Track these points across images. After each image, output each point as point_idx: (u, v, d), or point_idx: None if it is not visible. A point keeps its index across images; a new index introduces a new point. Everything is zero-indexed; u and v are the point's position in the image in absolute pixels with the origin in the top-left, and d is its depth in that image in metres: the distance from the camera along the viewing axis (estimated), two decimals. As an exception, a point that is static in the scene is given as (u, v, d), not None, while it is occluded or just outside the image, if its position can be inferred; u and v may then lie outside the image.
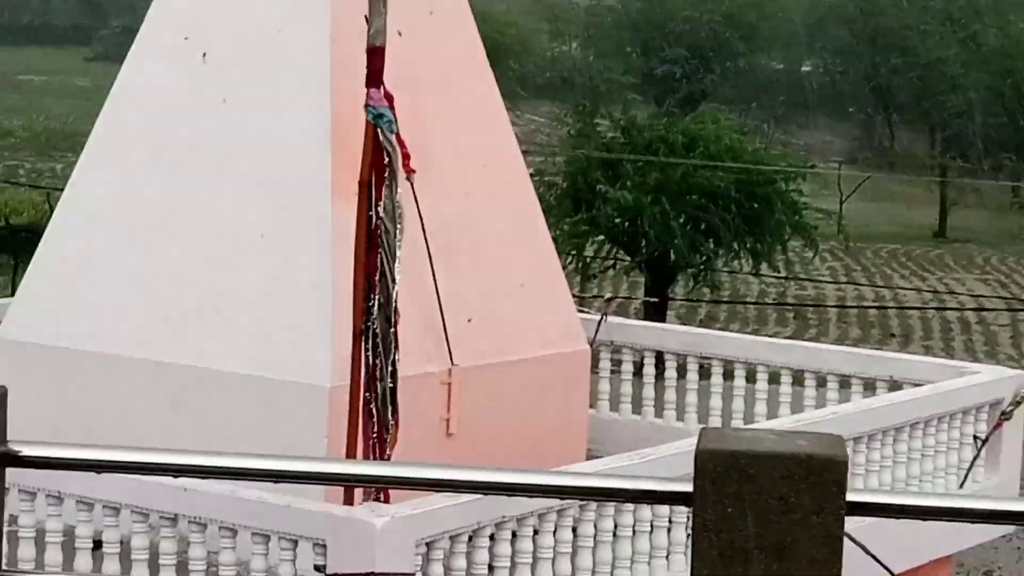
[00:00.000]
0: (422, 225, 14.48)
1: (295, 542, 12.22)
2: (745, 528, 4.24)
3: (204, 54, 16.24)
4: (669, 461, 13.45)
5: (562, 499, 12.37)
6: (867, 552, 7.47)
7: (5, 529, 5.25)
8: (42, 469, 5.70)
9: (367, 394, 12.97)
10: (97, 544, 13.07)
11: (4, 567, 5.48)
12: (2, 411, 5.53)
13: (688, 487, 4.42)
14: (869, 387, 17.76)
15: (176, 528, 12.76)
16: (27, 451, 5.47)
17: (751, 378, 18.31)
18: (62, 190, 18.02)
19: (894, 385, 17.49)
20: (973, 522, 4.47)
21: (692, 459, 4.26)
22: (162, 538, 12.79)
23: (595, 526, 13.56)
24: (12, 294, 24.46)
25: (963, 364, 19.48)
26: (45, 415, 14.12)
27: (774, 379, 18.28)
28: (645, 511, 13.79)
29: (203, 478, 10.61)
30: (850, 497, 4.18)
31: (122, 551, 12.90)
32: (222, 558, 12.50)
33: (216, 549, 12.56)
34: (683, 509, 13.51)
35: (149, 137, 16.40)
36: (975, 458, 17.03)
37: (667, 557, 14.17)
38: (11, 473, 5.46)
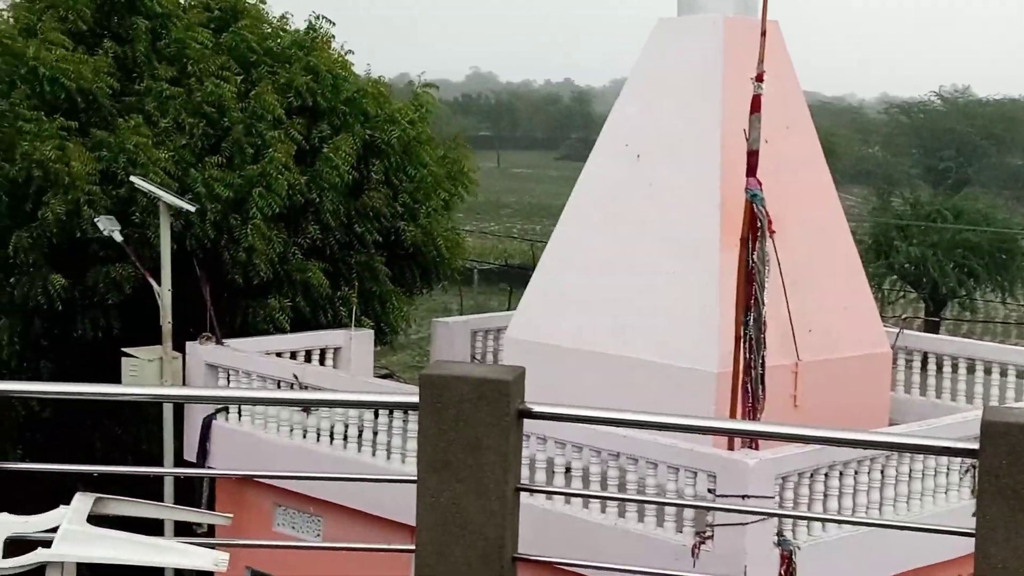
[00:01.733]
0: (779, 266, 14.38)
1: (695, 473, 12.31)
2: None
3: (638, 155, 16.46)
4: (950, 427, 13.17)
5: (876, 451, 12.19)
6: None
7: (523, 461, 5.46)
8: (546, 420, 5.91)
9: (745, 378, 13.00)
10: (567, 469, 13.34)
11: (520, 484, 5.65)
12: (522, 382, 5.77)
13: (971, 445, 4.37)
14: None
15: (618, 461, 12.94)
16: (537, 408, 5.69)
17: (1004, 373, 17.69)
18: (541, 242, 18.38)
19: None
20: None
21: (966, 426, 4.24)
22: (608, 467, 12.98)
23: (896, 470, 13.29)
24: (508, 309, 24.97)
25: None
26: (537, 393, 14.49)
27: (1020, 375, 17.68)
28: (929, 461, 13.48)
29: (638, 429, 10.81)
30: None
31: (583, 475, 13.14)
32: (647, 482, 12.63)
33: (643, 476, 12.69)
34: (943, 460, 13.35)
35: (602, 206, 16.70)
36: None
37: (946, 493, 13.78)
38: (527, 424, 5.69)
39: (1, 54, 19.64)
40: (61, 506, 5.44)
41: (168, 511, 6.42)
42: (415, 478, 5.61)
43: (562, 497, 13.28)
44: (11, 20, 20.36)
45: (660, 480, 12.57)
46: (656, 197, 16.14)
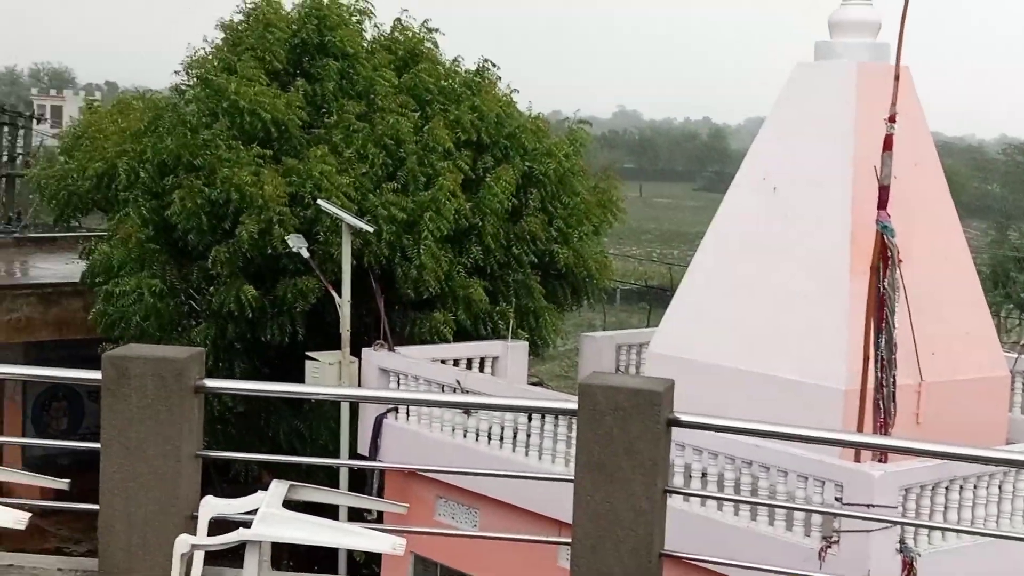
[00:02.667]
0: (905, 292, 14.06)
1: (823, 482, 12.12)
2: None
3: (775, 188, 16.26)
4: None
5: (995, 467, 11.84)
6: None
7: (674, 468, 5.41)
8: (691, 429, 5.85)
9: (876, 395, 12.72)
10: (703, 474, 13.20)
11: (668, 486, 5.61)
12: (672, 393, 5.74)
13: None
14: None
15: (751, 468, 12.77)
16: (685, 418, 5.65)
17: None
18: (678, 266, 18.26)
19: None
20: None
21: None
22: (741, 474, 12.82)
23: (1013, 485, 12.88)
24: (648, 326, 24.77)
25: None
26: (676, 403, 14.34)
27: None
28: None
29: (780, 440, 10.65)
30: None
31: (718, 480, 12.99)
32: (778, 488, 12.45)
33: (774, 483, 12.51)
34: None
35: (740, 233, 16.54)
36: None
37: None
38: (675, 432, 5.65)
39: (206, 89, 20.23)
40: (259, 491, 5.56)
41: (352, 499, 6.52)
42: (572, 478, 5.61)
43: (698, 499, 13.14)
44: (215, 61, 20.94)
45: (790, 487, 12.38)
46: (791, 226, 15.93)
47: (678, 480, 13.10)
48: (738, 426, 5.99)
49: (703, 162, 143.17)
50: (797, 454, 12.13)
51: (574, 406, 5.59)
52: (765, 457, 12.50)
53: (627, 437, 5.48)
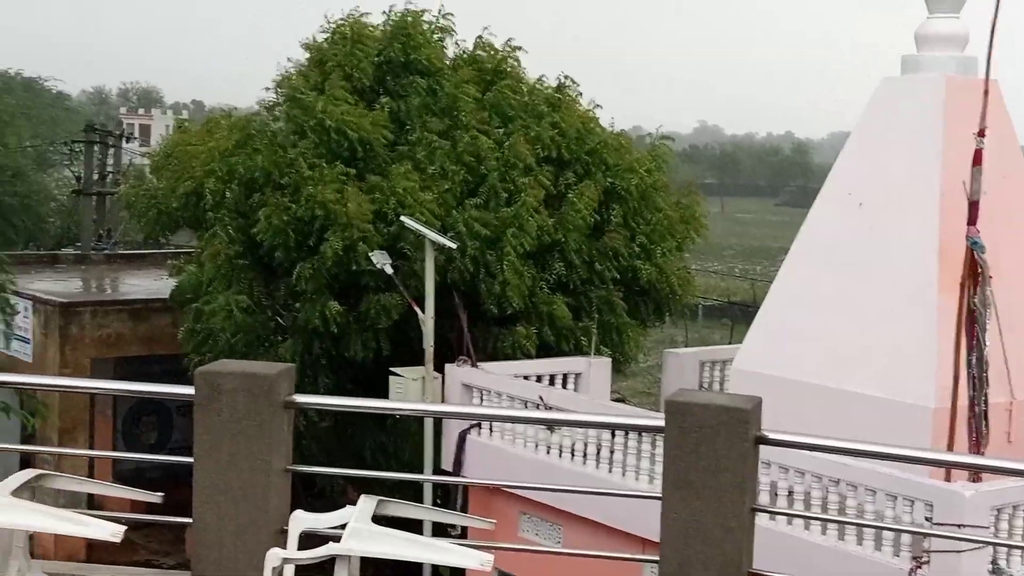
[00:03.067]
0: (995, 309, 13.80)
1: (912, 501, 11.93)
2: None
3: (860, 203, 16.07)
4: None
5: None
6: None
7: (760, 486, 5.35)
8: (778, 447, 5.79)
9: (968, 414, 12.49)
10: (789, 492, 13.05)
11: (756, 504, 5.56)
12: (759, 411, 5.68)
13: None
14: None
15: (838, 487, 12.61)
16: (773, 435, 5.59)
17: None
18: (761, 281, 18.09)
19: None
20: None
21: None
22: (829, 492, 12.66)
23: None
24: (730, 343, 24.53)
25: None
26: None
27: None
28: None
29: (871, 459, 10.50)
30: None
31: (804, 498, 12.84)
32: (866, 507, 12.27)
33: (862, 502, 12.34)
34: None
35: (825, 249, 16.36)
36: None
37: None
38: (766, 450, 5.59)
39: (294, 108, 20.48)
40: (347, 506, 5.60)
41: (441, 514, 6.54)
42: (659, 495, 5.58)
43: (784, 517, 13.00)
44: (302, 79, 21.21)
45: (879, 506, 12.20)
46: (877, 242, 15.73)
47: (764, 498, 12.97)
48: (827, 444, 5.92)
49: (785, 177, 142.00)
50: (886, 473, 11.95)
51: (661, 423, 5.56)
52: (853, 476, 12.33)
53: (715, 454, 5.44)
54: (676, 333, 46.56)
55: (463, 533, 13.77)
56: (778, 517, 12.94)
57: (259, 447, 5.60)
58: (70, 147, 43.12)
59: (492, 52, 22.09)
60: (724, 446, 5.44)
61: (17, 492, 5.50)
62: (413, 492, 18.12)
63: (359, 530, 5.23)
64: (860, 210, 16.03)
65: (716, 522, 5.46)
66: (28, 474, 5.62)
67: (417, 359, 17.80)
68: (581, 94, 22.09)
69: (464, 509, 17.12)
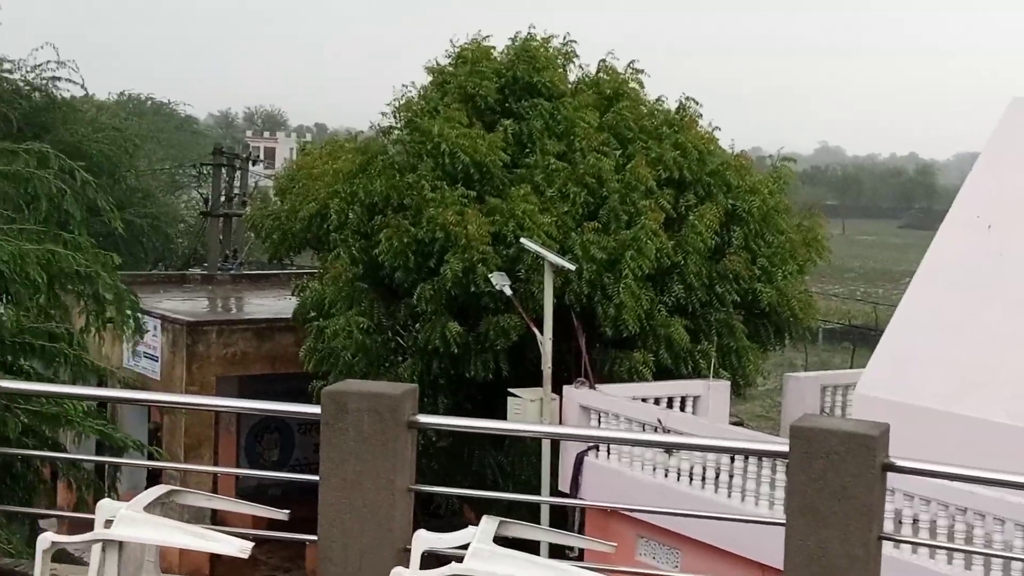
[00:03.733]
0: None
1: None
2: None
3: (989, 226, 15.72)
4: None
5: None
6: None
7: (888, 516, 5.22)
8: (907, 474, 5.67)
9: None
10: (914, 520, 12.76)
11: (883, 533, 5.44)
12: (887, 437, 5.56)
13: None
14: None
15: (965, 516, 12.30)
16: (901, 463, 5.47)
17: None
18: (883, 305, 17.72)
19: None
20: None
21: None
22: (955, 521, 12.36)
23: None
24: (851, 367, 24.06)
25: None
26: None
27: None
28: None
29: (983, 485, 10.22)
30: None
31: (930, 527, 12.54)
32: (994, 537, 11.96)
33: (990, 531, 12.02)
34: None
35: (953, 272, 16.04)
36: None
37: None
38: (890, 477, 5.48)
39: (412, 132, 20.72)
40: (469, 526, 5.61)
41: (562, 536, 6.53)
42: (782, 521, 5.50)
43: (909, 546, 12.71)
44: (422, 103, 21.44)
45: (1007, 536, 11.88)
46: (1006, 265, 15.38)
47: (888, 526, 12.67)
48: (956, 472, 5.77)
49: (909, 199, 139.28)
50: (1015, 502, 11.64)
51: (783, 448, 5.48)
52: (981, 504, 12.02)
53: (841, 481, 5.34)
54: (795, 356, 45.89)
55: (580, 555, 13.73)
56: (903, 546, 12.66)
57: (384, 466, 5.66)
58: (198, 169, 44.11)
59: (613, 75, 22.09)
60: (851, 473, 5.34)
61: (149, 508, 5.63)
62: (529, 513, 18.13)
63: (482, 551, 5.24)
64: (989, 232, 15.68)
65: (842, 550, 5.36)
66: (160, 490, 5.75)
67: (535, 380, 17.84)
68: (701, 115, 21.98)
69: (581, 531, 17.07)
